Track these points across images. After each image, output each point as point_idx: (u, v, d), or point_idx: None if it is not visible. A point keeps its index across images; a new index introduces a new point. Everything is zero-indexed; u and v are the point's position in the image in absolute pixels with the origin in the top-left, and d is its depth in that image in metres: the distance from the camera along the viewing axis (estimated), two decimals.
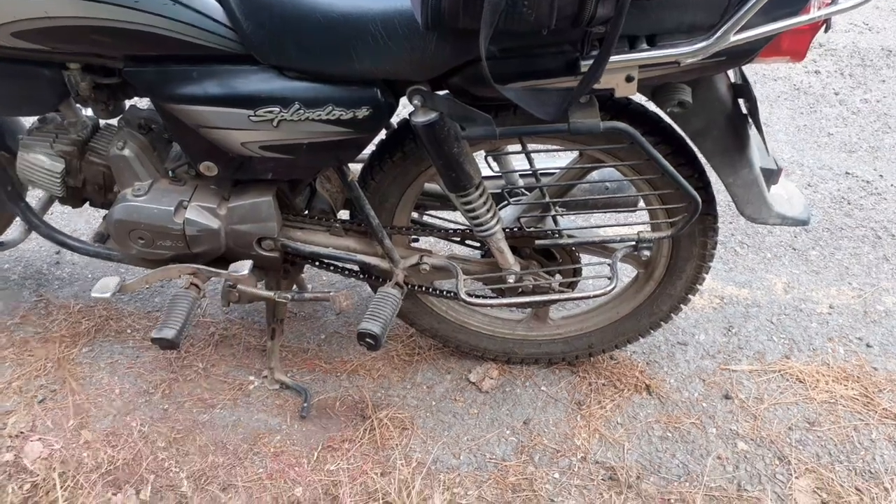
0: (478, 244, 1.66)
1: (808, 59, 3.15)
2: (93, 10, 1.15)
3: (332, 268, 1.63)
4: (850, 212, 2.33)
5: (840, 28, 3.44)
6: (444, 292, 1.59)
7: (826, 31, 1.15)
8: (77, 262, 2.13)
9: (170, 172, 1.47)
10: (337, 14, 1.16)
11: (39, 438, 1.65)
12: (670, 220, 1.44)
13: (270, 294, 1.56)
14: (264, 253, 1.50)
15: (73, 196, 1.54)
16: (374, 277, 1.61)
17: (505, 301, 1.56)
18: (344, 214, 1.63)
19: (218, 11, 1.18)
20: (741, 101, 1.30)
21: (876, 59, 3.17)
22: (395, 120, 1.44)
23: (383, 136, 1.46)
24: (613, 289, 1.47)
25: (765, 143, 1.30)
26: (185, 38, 1.19)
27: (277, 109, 1.23)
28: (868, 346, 1.88)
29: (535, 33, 1.02)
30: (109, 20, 1.16)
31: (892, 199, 2.39)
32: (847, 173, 2.51)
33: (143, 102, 1.52)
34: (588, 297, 1.53)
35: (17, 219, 1.64)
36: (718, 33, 1.05)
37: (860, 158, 2.59)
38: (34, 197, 1.68)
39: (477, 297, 1.52)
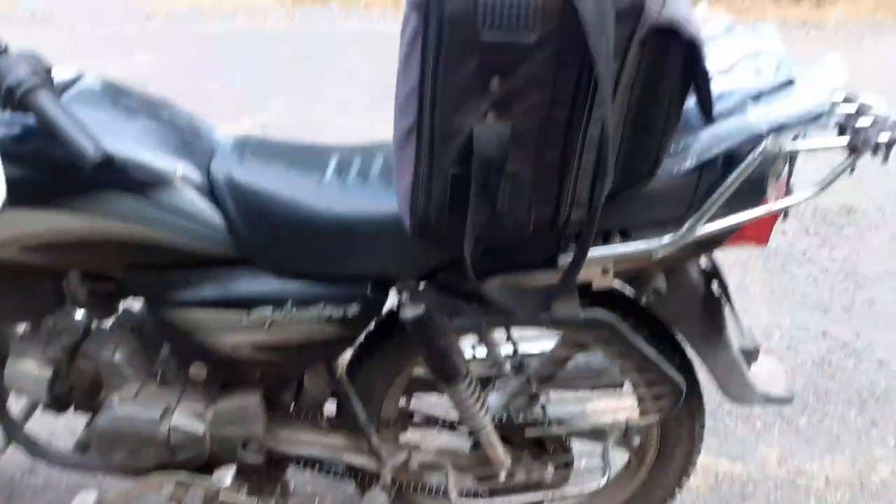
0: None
1: None
2: (100, 224, 1.21)
3: (316, 468, 1.59)
4: (832, 374, 2.36)
5: (800, 189, 3.64)
6: (434, 491, 1.55)
7: (784, 219, 1.24)
8: (52, 470, 2.04)
9: (158, 374, 1.46)
10: (331, 220, 1.23)
11: None
12: (656, 404, 1.44)
13: (254, 501, 1.50)
14: (249, 457, 1.46)
15: (59, 402, 1.51)
16: (360, 477, 1.57)
17: (497, 502, 1.52)
18: (332, 402, 1.61)
19: (217, 220, 1.25)
20: (714, 284, 1.36)
21: (836, 217, 3.33)
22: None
23: (371, 328, 1.49)
24: (607, 478, 1.44)
25: (738, 323, 1.35)
26: (185, 247, 1.24)
27: (270, 309, 1.26)
28: None
29: (512, 238, 1.09)
30: (114, 233, 1.22)
31: (870, 359, 2.42)
32: (824, 333, 2.55)
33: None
34: (582, 493, 1.50)
35: None
36: (685, 227, 1.12)
37: (835, 318, 2.65)
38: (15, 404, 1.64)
39: (468, 496, 1.48)
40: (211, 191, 1.28)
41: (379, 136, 1.37)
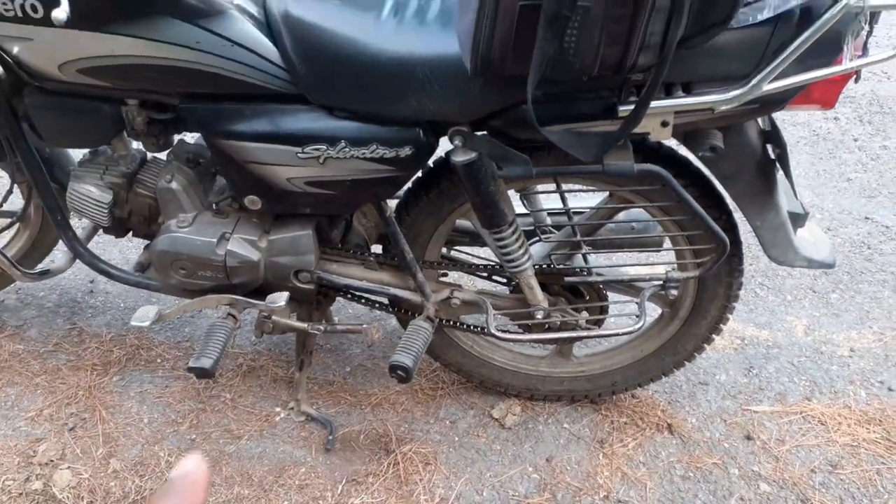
0: (504, 280, 1.69)
1: None
2: (156, 49, 1.22)
3: (363, 300, 1.67)
4: (870, 256, 2.36)
5: (875, 50, 3.50)
6: (474, 327, 1.62)
7: (856, 81, 1.20)
8: (111, 292, 2.17)
9: (213, 205, 1.52)
10: (387, 59, 1.22)
11: (69, 467, 1.67)
12: (697, 260, 1.47)
13: (304, 325, 1.59)
14: (300, 285, 1.53)
15: (118, 226, 1.59)
16: (404, 311, 1.65)
17: (535, 337, 1.59)
18: (376, 248, 1.67)
19: (273, 52, 1.25)
20: (770, 146, 1.34)
21: (895, 106, 3.22)
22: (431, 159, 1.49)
23: (420, 175, 1.51)
24: (641, 326, 1.49)
25: (793, 187, 1.35)
26: (241, 78, 1.25)
27: (325, 147, 1.29)
28: (890, 389, 1.89)
29: (576, 80, 1.07)
30: (171, 59, 1.23)
31: None
32: (867, 218, 2.54)
33: (190, 136, 1.58)
34: (616, 335, 1.56)
35: (63, 247, 1.68)
36: (753, 82, 1.10)
37: (880, 203, 2.62)
38: (79, 227, 1.73)
39: (507, 332, 1.56)
40: (267, 24, 1.27)
41: None
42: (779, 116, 1.34)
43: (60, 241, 1.72)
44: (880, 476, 1.66)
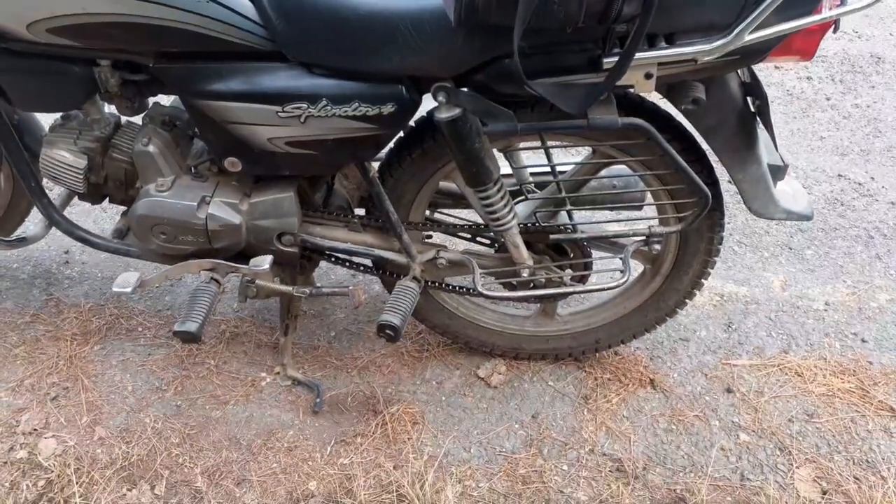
0: (488, 241, 1.70)
1: (799, 66, 3.24)
2: (129, 6, 1.18)
3: (347, 263, 1.66)
4: (843, 213, 2.41)
5: (830, 35, 3.53)
6: (460, 288, 1.63)
7: (835, 31, 1.21)
8: (87, 262, 2.14)
9: (192, 169, 1.49)
10: (366, 12, 1.20)
11: (53, 435, 1.66)
12: (679, 215, 1.49)
13: (289, 289, 1.59)
14: (284, 248, 1.52)
15: (94, 192, 1.56)
16: (389, 273, 1.65)
17: (522, 294, 1.60)
18: (359, 211, 1.66)
19: (250, 9, 1.22)
20: (750, 98, 1.35)
21: (865, 65, 3.26)
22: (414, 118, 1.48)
23: (402, 134, 1.50)
24: (626, 281, 1.51)
25: (773, 140, 1.36)
26: (218, 36, 1.22)
27: (305, 105, 1.27)
28: (863, 341, 1.94)
29: (560, 31, 1.06)
30: (144, 16, 1.20)
31: (883, 200, 2.46)
32: (840, 175, 2.58)
33: (165, 100, 1.55)
34: (603, 290, 1.57)
35: (38, 215, 1.65)
36: (735, 32, 1.10)
37: (852, 161, 2.67)
38: (53, 195, 1.69)
39: (494, 290, 1.56)
40: None
41: None
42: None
43: (34, 211, 1.68)
44: (854, 423, 1.71)
